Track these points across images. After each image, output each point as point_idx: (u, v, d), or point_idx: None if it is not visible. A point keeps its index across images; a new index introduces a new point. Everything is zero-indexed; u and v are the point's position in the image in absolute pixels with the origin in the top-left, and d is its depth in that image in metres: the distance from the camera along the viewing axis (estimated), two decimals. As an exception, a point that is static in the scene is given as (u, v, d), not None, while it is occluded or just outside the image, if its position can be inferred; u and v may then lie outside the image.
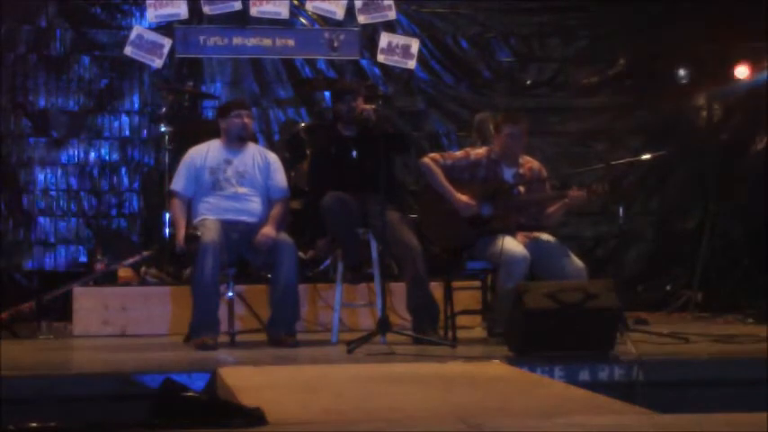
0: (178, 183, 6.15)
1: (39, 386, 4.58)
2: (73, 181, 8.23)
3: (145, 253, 7.39)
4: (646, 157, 6.50)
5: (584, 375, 4.81)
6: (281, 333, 5.84)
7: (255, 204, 6.09)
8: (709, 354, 5.42)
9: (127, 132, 8.34)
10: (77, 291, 6.88)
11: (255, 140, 6.59)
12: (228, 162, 6.10)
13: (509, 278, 5.63)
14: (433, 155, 6.20)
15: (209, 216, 5.97)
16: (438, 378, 4.44)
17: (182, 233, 5.96)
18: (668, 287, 8.39)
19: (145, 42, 8.21)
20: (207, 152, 6.15)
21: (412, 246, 5.89)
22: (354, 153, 6.15)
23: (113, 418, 4.34)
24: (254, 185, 6.10)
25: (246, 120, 6.17)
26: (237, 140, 6.14)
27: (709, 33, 8.04)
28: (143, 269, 7.25)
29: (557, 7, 8.78)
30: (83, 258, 8.12)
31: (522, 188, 6.06)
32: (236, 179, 6.07)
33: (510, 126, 5.98)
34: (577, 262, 5.82)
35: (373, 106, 6.13)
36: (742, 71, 8.23)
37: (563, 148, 8.65)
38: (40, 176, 8.20)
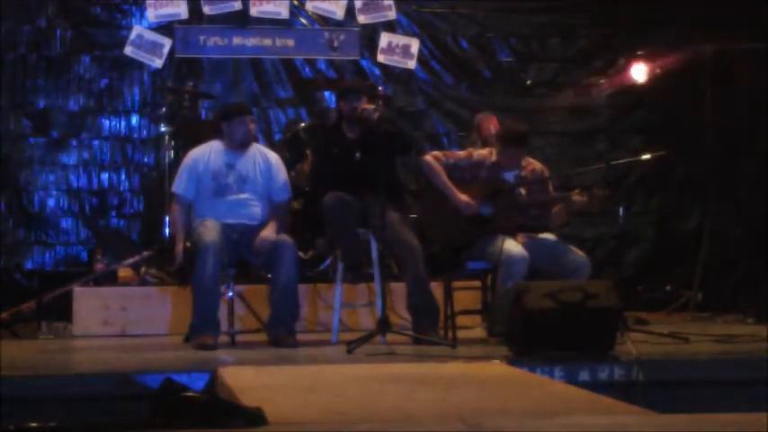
0: (180, 185, 6.13)
1: (39, 386, 4.58)
2: (73, 181, 8.23)
3: (145, 253, 7.39)
4: (646, 157, 6.50)
5: (584, 375, 4.81)
6: (281, 333, 5.84)
7: (256, 209, 6.09)
8: (709, 354, 5.42)
9: (127, 132, 8.34)
10: (77, 291, 6.88)
11: (256, 140, 6.59)
12: (230, 166, 6.09)
13: (508, 278, 5.64)
14: (435, 153, 6.21)
15: (210, 218, 5.97)
16: (438, 378, 4.43)
17: (180, 246, 5.95)
18: (668, 287, 8.38)
19: (145, 42, 8.22)
20: (209, 155, 6.13)
21: (412, 246, 5.89)
22: (357, 154, 6.14)
23: (113, 418, 4.34)
24: (256, 190, 6.10)
25: (251, 125, 6.18)
26: (240, 146, 6.14)
27: (709, 33, 8.03)
28: (143, 269, 7.25)
29: (557, 7, 8.78)
30: (83, 258, 8.12)
31: (523, 189, 6.07)
32: (237, 185, 6.06)
33: (507, 147, 5.99)
34: (581, 255, 5.85)
35: (373, 106, 6.13)
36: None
37: (563, 148, 8.65)
38: (40, 176, 8.20)
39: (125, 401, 4.49)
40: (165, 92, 8.15)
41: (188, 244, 5.94)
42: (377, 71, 8.59)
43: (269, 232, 5.92)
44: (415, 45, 8.54)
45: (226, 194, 6.05)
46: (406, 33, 8.60)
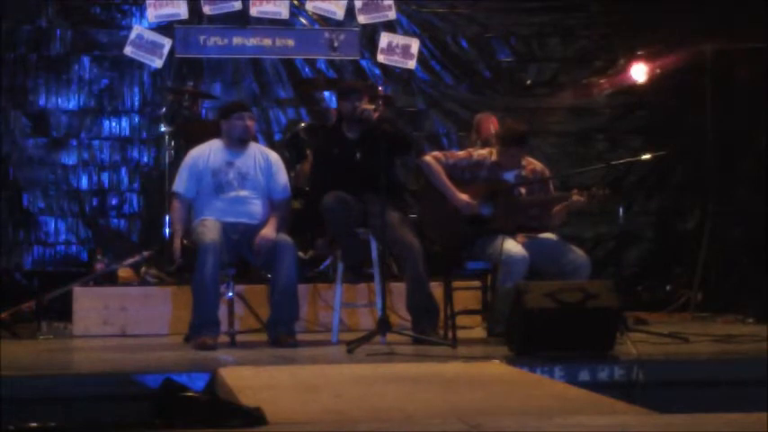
0: (180, 184, 6.13)
1: (39, 386, 4.57)
2: (73, 181, 8.23)
3: (145, 253, 7.40)
4: (646, 157, 6.50)
5: (584, 375, 4.81)
6: (281, 333, 5.84)
7: (256, 207, 6.09)
8: (709, 354, 5.42)
9: (127, 132, 8.34)
10: (77, 291, 6.88)
11: (256, 140, 6.60)
12: (230, 164, 6.09)
13: (508, 278, 5.64)
14: (434, 153, 6.21)
15: (210, 217, 5.97)
16: (438, 378, 4.43)
17: (178, 242, 5.96)
18: (668, 287, 8.40)
19: (145, 42, 8.22)
20: (209, 154, 6.14)
21: (412, 246, 5.89)
22: (357, 154, 6.14)
23: (113, 418, 4.34)
24: (256, 187, 6.10)
25: (249, 122, 6.16)
26: (239, 143, 6.14)
27: (709, 33, 8.04)
28: (143, 269, 7.26)
29: (557, 7, 8.78)
30: (83, 258, 8.12)
31: (523, 189, 6.07)
32: (237, 182, 6.06)
33: (507, 147, 5.98)
34: (581, 254, 5.85)
35: (373, 106, 6.14)
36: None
37: (563, 148, 8.66)
38: (40, 176, 8.20)
39: (125, 401, 4.49)
40: (165, 92, 8.15)
41: (185, 241, 5.93)
42: (377, 71, 8.59)
43: (268, 231, 5.92)
44: (415, 45, 8.55)
45: (226, 191, 6.04)
46: (406, 33, 8.60)
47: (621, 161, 6.88)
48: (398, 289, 6.30)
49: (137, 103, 8.37)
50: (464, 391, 4.08)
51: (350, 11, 8.44)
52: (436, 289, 6.05)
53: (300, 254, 6.51)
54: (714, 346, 5.69)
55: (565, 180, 7.44)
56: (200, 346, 5.67)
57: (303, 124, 7.59)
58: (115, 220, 8.30)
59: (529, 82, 8.78)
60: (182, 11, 8.27)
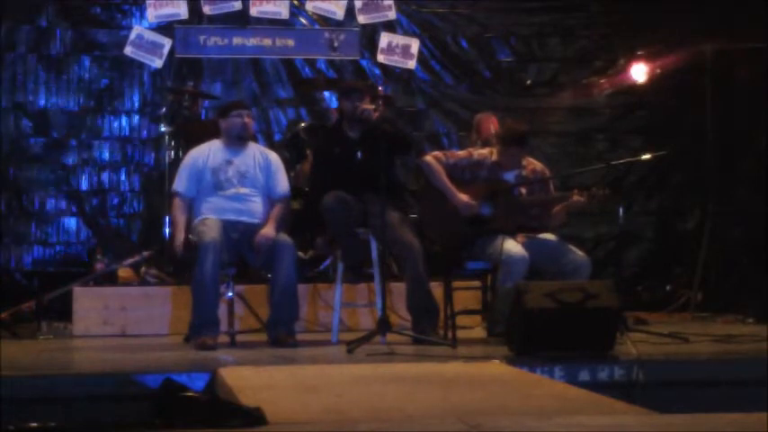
0: (180, 183, 6.14)
1: (39, 386, 4.57)
2: (73, 181, 8.23)
3: (145, 253, 7.40)
4: (646, 157, 6.51)
5: (584, 375, 4.81)
6: (281, 333, 5.84)
7: (256, 205, 6.09)
8: (709, 354, 5.42)
9: (127, 132, 8.34)
10: (77, 291, 6.88)
11: (255, 140, 6.60)
12: (229, 162, 6.10)
13: (508, 278, 5.65)
14: (435, 153, 6.22)
15: (210, 216, 5.97)
16: (438, 378, 4.43)
17: (180, 237, 5.96)
18: (668, 287, 8.40)
19: (145, 42, 8.22)
20: (208, 153, 6.15)
21: (412, 246, 5.89)
22: (358, 154, 6.14)
23: (113, 418, 4.34)
24: (256, 185, 6.10)
25: (247, 120, 6.17)
26: (238, 140, 6.14)
27: (709, 33, 8.04)
28: (143, 269, 7.26)
29: (557, 7, 8.79)
30: (83, 258, 8.12)
31: (523, 189, 6.07)
32: (237, 179, 6.07)
33: (508, 147, 5.99)
34: (581, 255, 5.85)
35: (373, 106, 6.14)
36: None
37: (563, 148, 8.66)
38: (40, 176, 8.20)
39: (125, 401, 4.49)
40: (165, 92, 8.15)
41: (191, 236, 5.93)
42: (377, 71, 8.59)
43: (268, 230, 5.92)
44: (415, 45, 8.55)
45: (225, 188, 6.04)
46: (406, 33, 8.60)
47: (621, 161, 6.89)
48: (398, 289, 6.30)
49: (137, 103, 8.37)
50: (464, 391, 4.08)
51: (350, 11, 8.44)
52: (436, 289, 6.05)
53: (300, 254, 6.51)
54: (714, 346, 5.69)
55: (565, 180, 7.44)
56: (200, 346, 5.67)
57: (303, 124, 7.59)
58: (115, 220, 8.31)
59: (529, 82, 8.79)
60: (182, 11, 8.27)
